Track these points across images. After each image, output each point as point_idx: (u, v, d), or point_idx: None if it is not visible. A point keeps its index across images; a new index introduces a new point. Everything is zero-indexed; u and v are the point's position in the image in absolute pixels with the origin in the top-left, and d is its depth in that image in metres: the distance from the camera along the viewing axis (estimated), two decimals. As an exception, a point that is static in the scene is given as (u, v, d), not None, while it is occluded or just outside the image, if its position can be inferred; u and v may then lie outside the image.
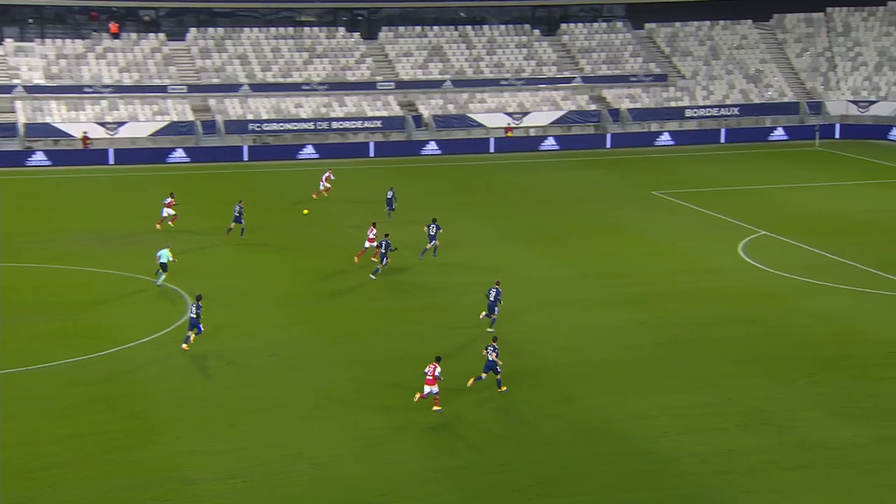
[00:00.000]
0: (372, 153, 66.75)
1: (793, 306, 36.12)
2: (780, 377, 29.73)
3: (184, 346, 31.78)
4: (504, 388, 28.90)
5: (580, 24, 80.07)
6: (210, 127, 67.02)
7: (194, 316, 31.50)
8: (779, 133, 72.22)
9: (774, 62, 78.28)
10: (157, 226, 45.66)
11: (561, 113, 72.16)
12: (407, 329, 33.96)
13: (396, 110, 70.86)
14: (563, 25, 79.80)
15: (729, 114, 73.84)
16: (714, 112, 73.73)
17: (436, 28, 77.84)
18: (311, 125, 68.46)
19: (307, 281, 39.16)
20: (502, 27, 78.92)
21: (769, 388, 28.92)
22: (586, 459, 25.22)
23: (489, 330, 33.01)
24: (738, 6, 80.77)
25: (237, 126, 67.40)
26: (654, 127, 72.74)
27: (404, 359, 31.36)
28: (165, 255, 37.58)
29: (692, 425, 26.73)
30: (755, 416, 27.20)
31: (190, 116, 67.76)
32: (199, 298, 32.29)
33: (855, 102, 74.28)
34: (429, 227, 41.54)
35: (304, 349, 32.20)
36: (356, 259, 40.50)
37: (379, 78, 73.01)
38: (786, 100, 75.04)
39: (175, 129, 66.54)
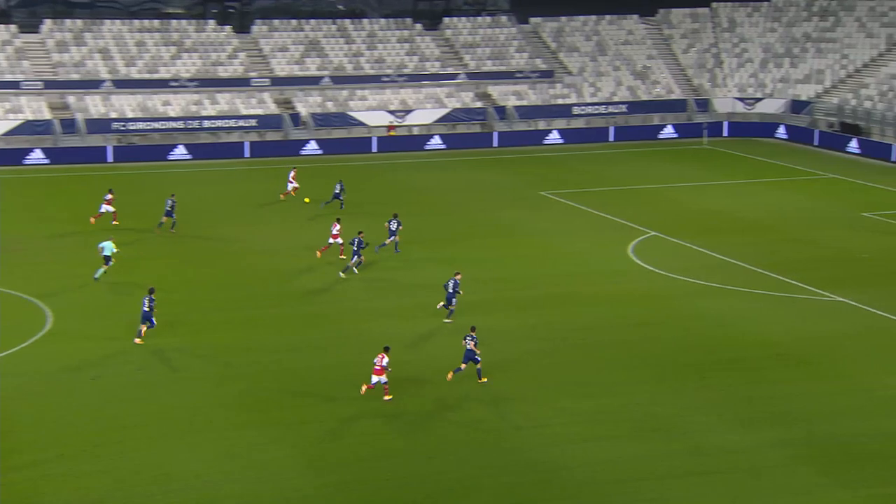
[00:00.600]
0: (247, 153, 65.93)
1: (683, 309, 37.10)
2: (672, 381, 30.51)
3: (136, 340, 32.59)
4: (484, 379, 30.14)
5: (463, 18, 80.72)
6: (69, 126, 65.15)
7: (147, 309, 32.37)
8: (667, 131, 74.13)
9: (661, 58, 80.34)
10: (114, 222, 46.64)
11: (445, 111, 72.55)
12: (299, 337, 33.71)
13: (272, 108, 70.17)
14: (446, 19, 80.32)
15: (617, 111, 75.43)
16: (602, 109, 75.22)
17: (312, 21, 77.40)
18: (180, 124, 67.25)
19: (208, 286, 38.51)
20: (382, 21, 78.98)
21: (661, 393, 29.64)
22: (476, 471, 25.41)
23: (447, 321, 34.85)
24: (623, 0, 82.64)
25: (99, 125, 65.69)
26: (541, 125, 73.79)
27: (293, 370, 31.08)
28: (109, 247, 38.36)
29: (585, 433, 27.20)
30: (647, 422, 27.85)
31: (47, 115, 65.74)
32: (151, 291, 32.86)
33: (741, 100, 76.76)
34: (390, 222, 43.25)
35: (187, 360, 31.59)
36: (318, 254, 41.92)
37: (253, 74, 72.19)
38: (673, 97, 77.07)
39: (30, 128, 64.46)
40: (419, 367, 31.37)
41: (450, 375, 30.10)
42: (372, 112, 71.37)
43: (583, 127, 74.08)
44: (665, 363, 31.93)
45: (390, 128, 70.88)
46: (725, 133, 74.32)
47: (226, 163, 63.74)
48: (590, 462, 25.77)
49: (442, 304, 35.44)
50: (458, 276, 35.47)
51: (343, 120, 70.59)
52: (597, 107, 75.16)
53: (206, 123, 67.69)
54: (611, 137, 73.05)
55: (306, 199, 51.45)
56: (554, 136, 72.35)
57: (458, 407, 28.89)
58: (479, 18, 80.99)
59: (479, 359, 30.13)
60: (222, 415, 28.04)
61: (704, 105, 76.55)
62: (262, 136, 68.47)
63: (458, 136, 71.54)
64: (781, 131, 73.14)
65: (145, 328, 32.52)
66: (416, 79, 74.65)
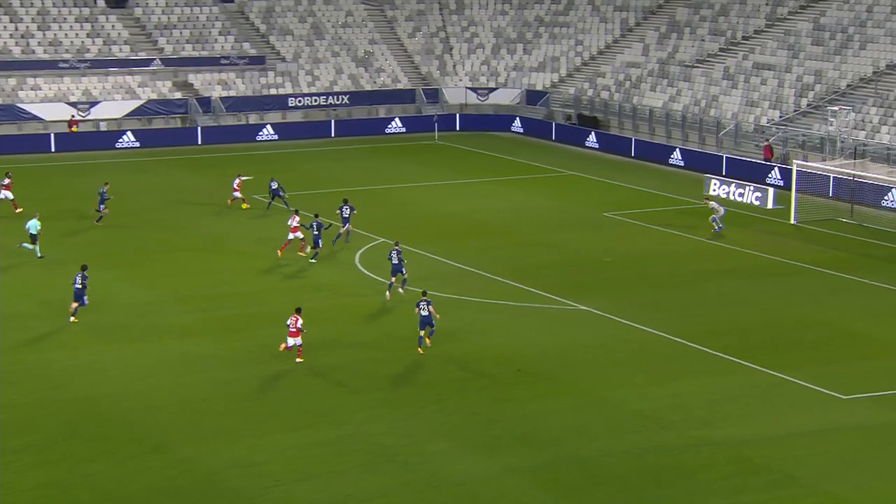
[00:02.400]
0: None
1: (417, 324, 37.83)
2: (405, 406, 31.03)
3: (71, 318, 36.30)
4: (428, 343, 34.56)
5: (157, -5, 79.13)
6: None
7: (79, 286, 36.00)
8: (395, 125, 75.49)
9: (385, 43, 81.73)
10: (18, 210, 50.42)
11: (138, 102, 70.93)
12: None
13: (-79, 99, 66.17)
14: (136, -4, 78.49)
15: (338, 103, 76.10)
16: (321, 101, 75.69)
17: (-33, -4, 73.63)
18: None
19: None
20: (58, -4, 76.21)
21: (394, 420, 30.09)
22: (183, 524, 24.91)
23: (401, 290, 38.91)
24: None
25: None
26: (252, 119, 73.44)
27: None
28: (34, 225, 43.47)
29: (307, 470, 27.23)
30: (378, 453, 28.19)
31: None
32: (83, 269, 36.61)
33: (474, 90, 79.28)
34: (341, 208, 45.91)
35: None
36: (279, 253, 44.42)
37: None
38: (400, 86, 78.60)
39: None
40: (114, 403, 30.39)
41: (420, 350, 34.38)
42: (48, 104, 68.74)
43: (300, 121, 74.29)
44: (398, 385, 32.43)
45: (72, 123, 68.43)
46: (458, 127, 76.52)
47: None
48: (317, 502, 25.78)
49: (392, 281, 39.00)
50: (398, 246, 39.50)
51: (11, 113, 67.67)
52: (315, 98, 75.52)
53: None
54: (332, 132, 73.60)
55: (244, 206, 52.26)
56: (268, 132, 72.14)
57: (158, 448, 28.22)
58: (176, -5, 79.60)
59: (435, 323, 34.51)
60: None
61: (434, 96, 78.50)
62: None
63: (155, 132, 70.09)
64: (517, 125, 76.11)
65: (76, 305, 36.09)
66: (101, 65, 72.41)
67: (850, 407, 31.14)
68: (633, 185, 60.49)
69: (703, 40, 75.00)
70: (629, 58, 77.21)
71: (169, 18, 77.49)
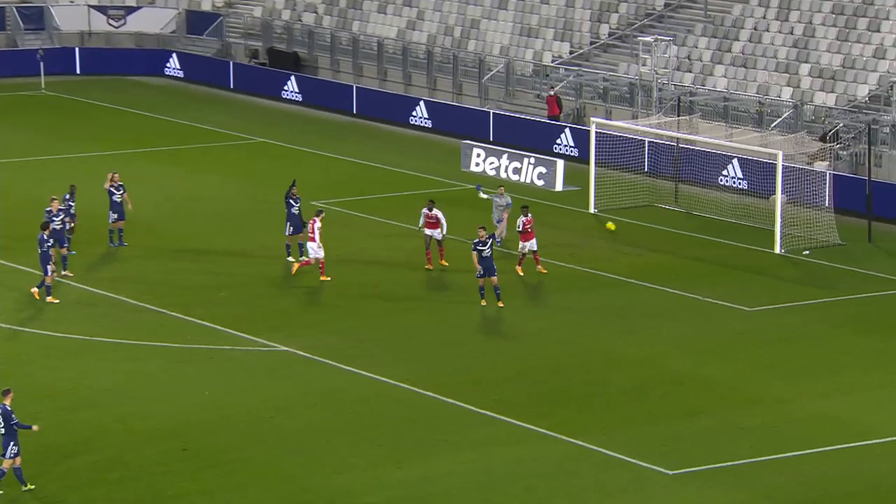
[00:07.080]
0: None
1: (26, 381, 37.31)
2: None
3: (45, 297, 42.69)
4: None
5: None
6: None
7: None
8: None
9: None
10: None
11: None
12: None
13: None
14: None
15: None
16: None
17: None
18: None
19: None
20: None
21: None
22: None
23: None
24: None
25: None
26: None
27: None
28: None
29: None
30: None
31: None
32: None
33: (101, 10, 78.13)
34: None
35: None
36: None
37: None
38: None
39: None
40: None
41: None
42: None
43: None
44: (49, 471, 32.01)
45: None
46: (77, 69, 75.78)
47: None
48: None
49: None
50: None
51: None
52: None
53: None
54: None
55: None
56: None
57: None
58: None
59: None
60: None
61: (38, 19, 77.28)
62: None
63: None
64: (173, 65, 75.90)
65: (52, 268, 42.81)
66: None
67: (677, 487, 32.40)
68: (353, 158, 61.35)
69: (454, -64, 76.55)
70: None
71: None
